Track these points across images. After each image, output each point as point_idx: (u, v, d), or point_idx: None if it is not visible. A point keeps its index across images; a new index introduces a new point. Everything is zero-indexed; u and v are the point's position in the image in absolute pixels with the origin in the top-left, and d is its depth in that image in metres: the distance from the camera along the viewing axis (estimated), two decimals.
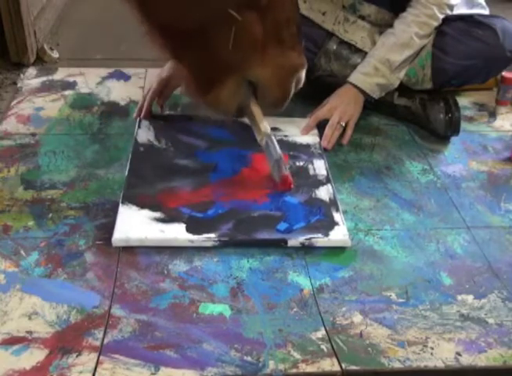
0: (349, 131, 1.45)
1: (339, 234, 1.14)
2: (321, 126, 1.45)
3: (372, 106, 1.54)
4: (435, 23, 1.45)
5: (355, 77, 1.46)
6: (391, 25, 1.48)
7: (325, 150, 1.41)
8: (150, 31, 1.00)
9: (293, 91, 1.14)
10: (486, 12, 1.56)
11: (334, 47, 1.53)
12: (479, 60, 1.48)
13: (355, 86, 1.45)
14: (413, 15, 1.44)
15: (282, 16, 1.01)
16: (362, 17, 1.52)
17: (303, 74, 1.13)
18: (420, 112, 1.53)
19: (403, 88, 1.54)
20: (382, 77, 1.45)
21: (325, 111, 1.45)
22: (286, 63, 1.06)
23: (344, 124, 1.44)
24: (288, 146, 1.40)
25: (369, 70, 1.45)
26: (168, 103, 1.52)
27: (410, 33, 1.43)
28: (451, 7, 1.45)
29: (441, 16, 1.45)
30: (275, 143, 1.25)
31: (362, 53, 1.51)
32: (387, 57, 1.44)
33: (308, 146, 1.41)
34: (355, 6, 1.51)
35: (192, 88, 1.07)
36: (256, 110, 1.20)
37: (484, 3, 1.57)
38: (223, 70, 1.03)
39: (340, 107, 1.44)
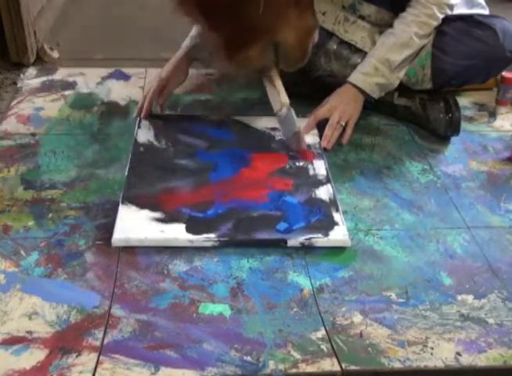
0: (349, 131, 1.45)
1: (339, 234, 1.14)
2: (321, 126, 1.45)
3: (372, 106, 1.53)
4: (435, 23, 1.45)
5: (355, 77, 1.46)
6: (391, 25, 1.47)
7: (325, 149, 1.41)
8: (184, 3, 1.08)
9: (310, 47, 1.26)
10: (486, 12, 1.56)
11: (334, 47, 1.53)
12: (479, 60, 1.48)
13: (355, 86, 1.45)
14: (413, 15, 1.44)
15: None
16: (362, 17, 1.52)
17: (317, 33, 1.27)
18: (420, 112, 1.53)
19: (403, 88, 1.54)
20: (382, 77, 1.45)
21: (324, 111, 1.45)
22: (304, 25, 1.19)
23: (343, 124, 1.44)
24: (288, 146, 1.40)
25: (369, 70, 1.45)
26: (168, 103, 1.52)
27: (410, 33, 1.43)
28: (451, 7, 1.45)
29: (441, 16, 1.45)
30: (294, 116, 1.33)
31: (362, 53, 1.50)
32: (387, 57, 1.44)
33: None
34: (354, 6, 1.51)
35: (222, 53, 1.16)
36: (277, 81, 1.31)
37: (484, 3, 1.57)
38: (253, 35, 1.13)
39: (340, 107, 1.44)
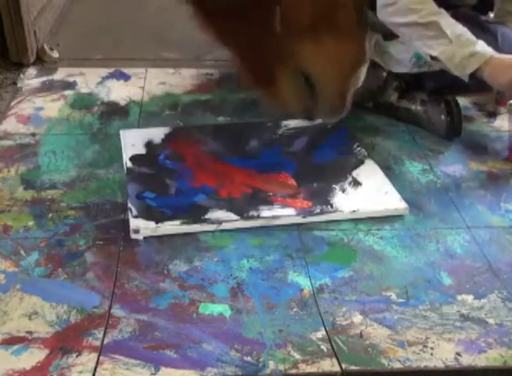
0: None
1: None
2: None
3: (372, 107, 1.53)
4: None
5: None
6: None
7: None
8: (200, 18, 0.92)
9: (351, 91, 0.94)
10: (490, 17, 1.55)
11: None
12: None
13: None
14: None
15: None
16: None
17: (362, 71, 0.94)
18: (421, 114, 1.52)
19: (403, 90, 1.54)
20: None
21: None
22: (341, 54, 0.88)
23: None
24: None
25: None
26: (168, 103, 1.52)
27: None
28: None
29: None
30: None
31: None
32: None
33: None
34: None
35: (251, 81, 0.99)
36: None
37: None
38: (275, 61, 0.91)
39: None
